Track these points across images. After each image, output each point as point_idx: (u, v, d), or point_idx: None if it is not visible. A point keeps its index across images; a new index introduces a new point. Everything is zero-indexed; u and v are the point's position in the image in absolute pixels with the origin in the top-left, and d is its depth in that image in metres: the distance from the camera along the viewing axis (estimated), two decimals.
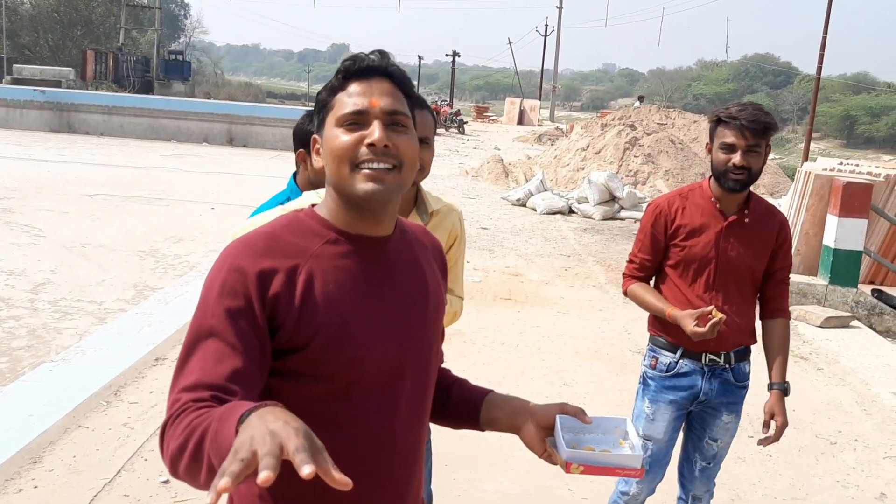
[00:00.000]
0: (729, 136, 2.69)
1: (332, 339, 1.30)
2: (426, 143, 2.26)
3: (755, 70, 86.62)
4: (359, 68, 1.36)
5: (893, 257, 8.98)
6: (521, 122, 42.53)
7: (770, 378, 2.93)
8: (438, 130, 34.34)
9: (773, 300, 2.92)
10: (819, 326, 7.29)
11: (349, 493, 1.28)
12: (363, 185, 1.32)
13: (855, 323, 7.56)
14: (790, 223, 8.49)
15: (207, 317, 1.27)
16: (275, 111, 23.71)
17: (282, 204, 2.72)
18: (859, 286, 7.94)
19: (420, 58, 69.72)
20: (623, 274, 3.03)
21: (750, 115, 2.66)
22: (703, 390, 2.87)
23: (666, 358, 2.91)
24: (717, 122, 2.75)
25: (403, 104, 1.38)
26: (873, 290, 8.13)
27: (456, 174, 18.09)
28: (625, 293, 2.99)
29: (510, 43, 61.33)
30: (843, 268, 7.75)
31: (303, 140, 2.65)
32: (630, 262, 2.99)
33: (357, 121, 1.33)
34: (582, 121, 21.21)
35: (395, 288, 1.42)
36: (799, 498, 4.21)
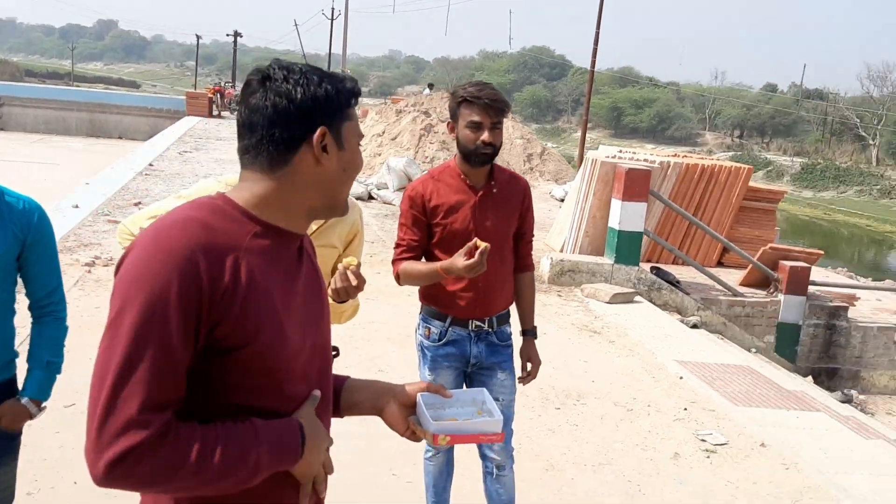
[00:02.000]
0: (475, 115, 2.85)
1: (273, 336, 1.29)
2: None
3: (533, 62, 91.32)
4: (357, 93, 1.42)
5: (667, 236, 9.86)
6: None
7: (522, 326, 3.19)
8: (224, 113, 33.04)
9: (522, 257, 3.16)
10: (608, 303, 7.85)
11: (275, 488, 1.35)
12: (346, 204, 1.45)
13: (638, 298, 8.22)
14: (579, 208, 9.06)
15: (150, 320, 1.18)
16: (36, 91, 21.65)
17: None
18: (640, 264, 8.63)
19: (198, 37, 66.73)
20: (392, 261, 3.07)
21: (491, 94, 2.84)
22: (472, 354, 3.05)
23: (437, 327, 3.06)
24: (460, 102, 2.90)
25: None
26: (652, 268, 8.87)
27: None
28: (397, 277, 3.04)
29: (296, 25, 60.17)
30: (627, 248, 8.39)
31: None
32: (398, 245, 3.06)
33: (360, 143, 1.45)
34: (375, 106, 21.29)
35: (305, 282, 1.43)
36: (605, 463, 4.51)
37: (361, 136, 1.44)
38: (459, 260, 2.70)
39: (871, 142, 65.81)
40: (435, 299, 3.07)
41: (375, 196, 13.61)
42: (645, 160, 9.74)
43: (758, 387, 6.04)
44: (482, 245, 2.67)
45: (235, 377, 1.28)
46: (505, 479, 3.16)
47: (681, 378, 6.02)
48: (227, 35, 56.33)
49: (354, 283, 2.18)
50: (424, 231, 3.01)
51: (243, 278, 1.26)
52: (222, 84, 38.63)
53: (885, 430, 7.16)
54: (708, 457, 4.72)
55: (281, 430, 1.29)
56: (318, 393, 1.42)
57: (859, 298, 10.73)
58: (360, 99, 1.47)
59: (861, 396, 8.93)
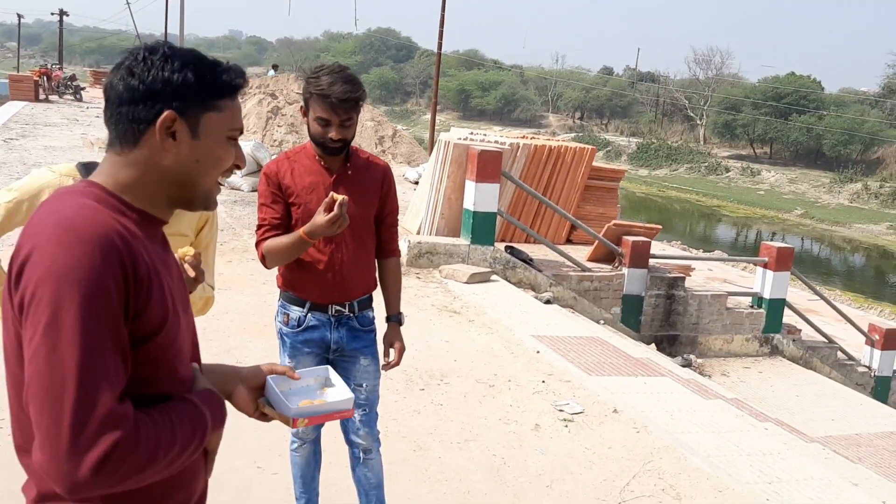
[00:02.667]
0: (323, 112, 2.77)
1: (173, 323, 1.29)
2: None
3: (379, 44, 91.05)
4: (235, 86, 1.39)
5: (519, 216, 10.14)
6: None
7: (387, 311, 3.15)
8: (52, 97, 30.92)
9: (386, 242, 3.11)
10: (466, 283, 7.99)
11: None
12: (215, 198, 1.45)
13: (494, 277, 8.41)
14: (434, 190, 9.14)
15: (95, 312, 1.14)
16: None
17: None
18: (495, 244, 8.84)
19: (20, 16, 61.96)
20: (256, 243, 2.99)
21: (341, 92, 2.74)
22: (332, 339, 3.01)
23: (296, 313, 3.02)
24: (310, 96, 2.81)
25: None
26: (506, 247, 9.10)
27: (79, 145, 16.46)
28: (262, 259, 2.95)
29: (128, 3, 56.94)
30: (482, 228, 8.56)
31: None
32: (259, 227, 2.97)
33: (237, 137, 1.42)
34: None
35: (174, 265, 1.44)
36: (470, 439, 4.60)
37: (238, 130, 1.41)
38: (319, 217, 2.62)
39: (698, 122, 70.39)
40: (293, 285, 3.00)
41: (222, 182, 13.11)
42: (496, 142, 9.95)
43: (608, 356, 6.35)
44: (339, 198, 2.60)
45: (142, 367, 1.25)
46: (373, 463, 3.16)
47: (538, 352, 6.22)
48: (52, 14, 52.49)
49: (192, 274, 2.08)
50: (285, 208, 2.91)
51: (149, 265, 1.25)
52: (49, 66, 36.03)
53: (722, 391, 7.72)
54: (566, 426, 4.92)
55: (210, 400, 1.35)
56: (196, 364, 1.44)
57: (694, 269, 11.49)
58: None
59: (699, 360, 9.59)
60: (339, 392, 1.66)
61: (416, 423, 4.73)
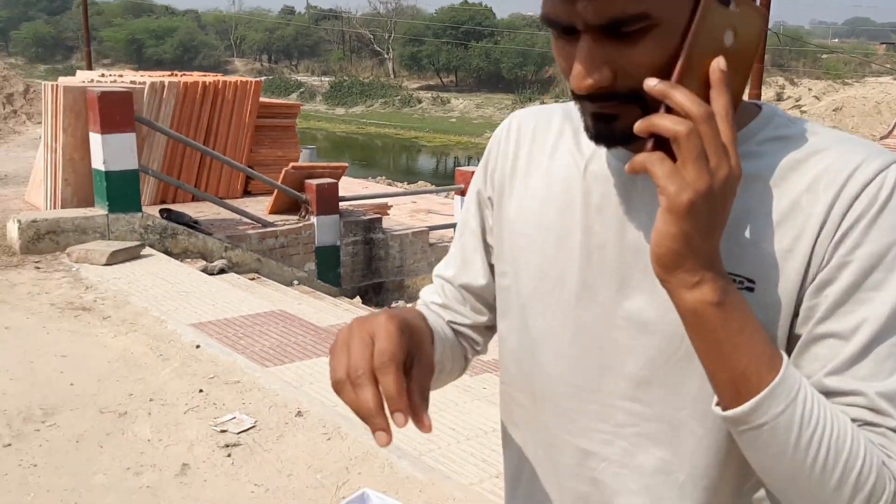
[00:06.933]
0: None
1: None
2: None
3: None
4: None
5: (179, 171, 8.39)
6: None
7: None
8: None
9: None
10: (105, 264, 6.19)
11: None
12: None
13: (147, 251, 6.68)
14: (51, 150, 7.11)
15: None
16: None
17: None
18: (145, 209, 7.05)
19: None
20: None
21: None
22: None
23: None
24: None
25: None
26: (161, 210, 7.35)
27: None
28: None
29: None
30: (121, 191, 6.72)
31: None
32: None
33: None
34: None
35: None
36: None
37: None
38: None
39: (386, 56, 70.73)
40: None
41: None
42: (132, 82, 8.03)
43: (292, 335, 5.03)
44: None
45: None
46: None
47: (198, 347, 4.73)
48: None
49: None
50: None
51: None
52: None
53: None
54: (229, 454, 3.54)
55: None
56: None
57: (392, 206, 10.54)
58: None
59: (409, 305, 8.66)
60: None
61: None
